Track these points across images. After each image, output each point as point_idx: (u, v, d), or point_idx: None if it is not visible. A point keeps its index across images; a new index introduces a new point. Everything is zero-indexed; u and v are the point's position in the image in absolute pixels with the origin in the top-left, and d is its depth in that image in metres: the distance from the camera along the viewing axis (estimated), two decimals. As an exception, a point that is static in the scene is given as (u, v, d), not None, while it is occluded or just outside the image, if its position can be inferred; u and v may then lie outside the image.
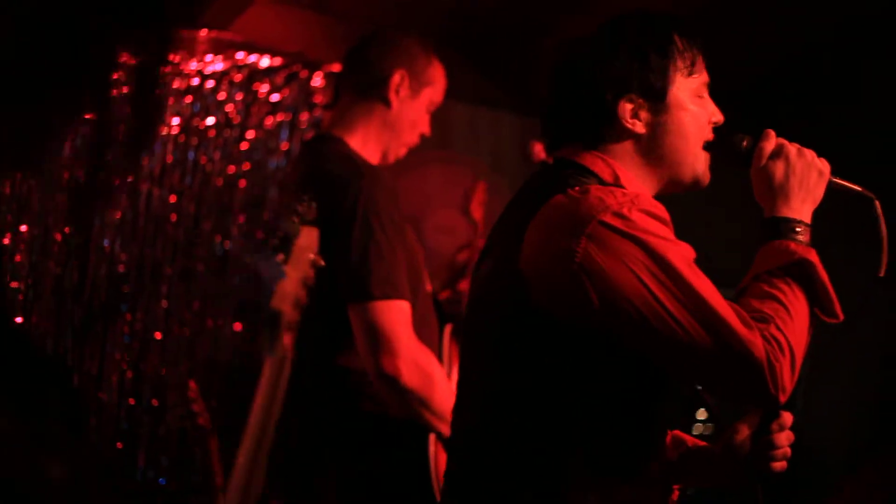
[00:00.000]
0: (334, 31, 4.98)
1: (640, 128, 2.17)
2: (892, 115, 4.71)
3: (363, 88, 3.16)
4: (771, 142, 2.22)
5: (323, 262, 1.80)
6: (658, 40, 2.18)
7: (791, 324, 2.02)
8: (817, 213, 2.20)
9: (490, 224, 3.95)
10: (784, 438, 2.25)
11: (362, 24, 4.90)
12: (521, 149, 5.25)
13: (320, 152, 3.09)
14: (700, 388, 2.24)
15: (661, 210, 2.06)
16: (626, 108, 2.16)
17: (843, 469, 5.60)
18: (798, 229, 2.14)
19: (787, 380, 1.99)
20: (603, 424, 2.06)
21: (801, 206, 2.17)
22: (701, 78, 2.23)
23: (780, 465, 2.25)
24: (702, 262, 2.06)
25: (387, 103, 3.14)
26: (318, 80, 5.04)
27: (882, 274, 2.21)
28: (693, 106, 2.20)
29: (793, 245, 2.11)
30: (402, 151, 3.22)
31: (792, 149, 2.20)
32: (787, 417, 2.26)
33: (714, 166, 2.27)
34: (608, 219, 1.98)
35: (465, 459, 2.19)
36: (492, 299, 2.16)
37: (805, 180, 2.17)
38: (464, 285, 3.78)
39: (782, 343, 1.99)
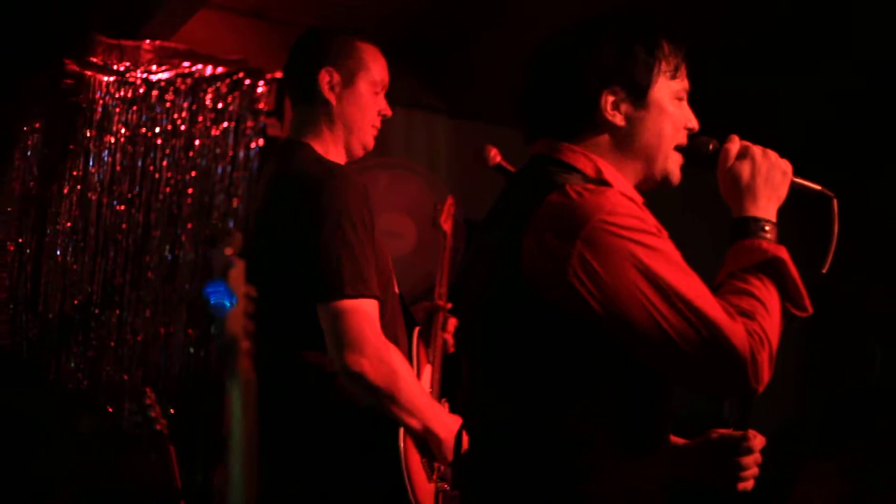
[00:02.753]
0: (273, 37, 5.04)
1: (619, 120, 2.19)
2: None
3: (303, 95, 3.19)
4: (735, 144, 2.26)
5: (255, 294, 1.83)
6: (646, 39, 2.22)
7: (768, 318, 2.08)
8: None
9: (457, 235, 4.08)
10: (752, 460, 2.32)
11: (300, 30, 4.98)
12: (455, 150, 5.37)
13: (290, 156, 3.12)
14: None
15: (644, 209, 2.12)
16: (609, 99, 2.18)
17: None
18: (766, 228, 2.19)
19: (766, 372, 2.05)
20: (613, 410, 2.10)
21: (768, 205, 2.22)
22: (682, 84, 2.26)
23: (746, 485, 2.33)
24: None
25: (326, 102, 3.16)
26: (261, 87, 5.09)
27: (825, 270, 2.27)
28: (671, 108, 2.23)
29: (764, 244, 2.16)
30: (369, 140, 3.23)
31: (756, 150, 2.25)
32: (759, 439, 2.33)
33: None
34: (601, 221, 2.02)
35: (485, 453, 2.23)
36: (496, 299, 2.18)
37: (770, 180, 2.23)
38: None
39: (762, 336, 2.05)
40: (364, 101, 3.15)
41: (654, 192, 2.30)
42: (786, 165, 2.26)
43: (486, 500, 2.19)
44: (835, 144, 5.66)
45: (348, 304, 2.85)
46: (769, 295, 2.12)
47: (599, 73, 2.18)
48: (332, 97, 3.11)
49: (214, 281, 1.68)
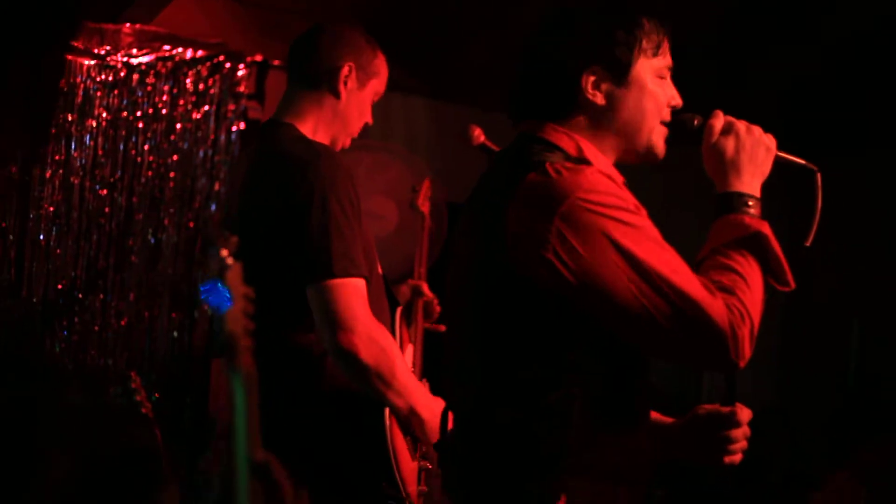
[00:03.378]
0: (251, 21, 5.05)
1: (600, 99, 2.22)
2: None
3: (312, 79, 3.21)
4: (720, 119, 2.29)
5: (254, 295, 1.88)
6: (626, 18, 2.24)
7: (749, 293, 2.11)
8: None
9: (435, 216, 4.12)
10: (741, 433, 2.35)
11: (279, 14, 4.98)
12: (434, 133, 5.38)
13: (276, 136, 3.15)
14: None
15: (623, 188, 2.16)
16: (589, 79, 2.21)
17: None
18: (750, 203, 2.21)
19: (748, 346, 2.09)
20: (595, 387, 2.13)
21: (752, 181, 2.24)
22: (664, 61, 2.28)
23: (733, 459, 2.35)
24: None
25: (336, 94, 3.19)
26: (241, 71, 5.08)
27: (808, 244, 2.29)
28: (653, 86, 2.26)
29: (747, 219, 2.19)
30: (348, 142, 3.29)
31: (741, 125, 2.27)
32: (746, 413, 2.35)
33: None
34: (580, 198, 2.06)
35: (464, 428, 2.25)
36: (478, 276, 2.21)
37: (754, 155, 2.24)
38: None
39: (742, 311, 2.08)
40: (365, 107, 3.25)
41: (638, 176, 2.33)
42: (770, 140, 2.29)
43: (469, 477, 2.22)
44: (815, 123, 5.68)
45: (338, 283, 2.88)
46: (751, 270, 2.15)
47: (580, 54, 2.22)
48: (343, 91, 3.18)
49: (212, 282, 1.73)
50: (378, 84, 3.27)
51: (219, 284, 1.73)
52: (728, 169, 2.25)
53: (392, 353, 2.94)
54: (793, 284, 2.21)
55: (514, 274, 2.10)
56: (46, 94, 4.88)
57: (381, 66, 3.28)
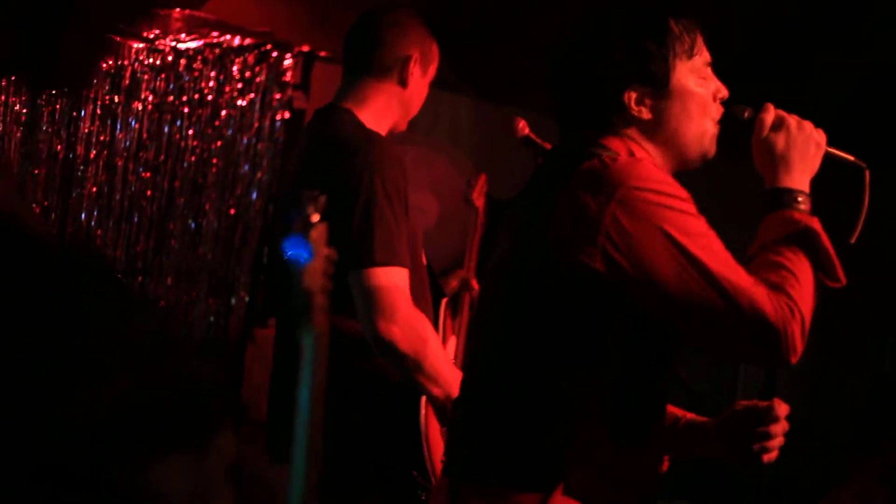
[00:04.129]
0: (300, 11, 5.07)
1: (645, 114, 2.21)
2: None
3: (379, 68, 3.22)
4: (771, 113, 2.27)
5: (336, 257, 1.90)
6: (654, 29, 2.22)
7: (800, 289, 2.10)
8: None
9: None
10: (779, 428, 2.34)
11: (327, 5, 5.00)
12: (478, 131, 5.38)
13: (330, 120, 3.15)
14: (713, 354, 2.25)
15: (678, 185, 2.13)
16: (631, 97, 2.20)
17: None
18: (800, 199, 2.21)
19: (799, 342, 2.07)
20: (611, 384, 2.12)
21: (802, 177, 2.23)
22: (702, 58, 2.26)
23: (770, 455, 2.35)
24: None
25: (403, 83, 3.20)
26: (288, 60, 5.11)
27: (853, 241, 2.29)
28: (697, 88, 2.24)
29: (797, 214, 2.18)
30: (404, 125, 3.31)
31: (792, 121, 2.26)
32: (783, 407, 2.35)
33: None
34: (635, 186, 2.05)
35: (472, 414, 2.25)
36: (518, 259, 2.20)
37: (805, 152, 2.24)
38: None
39: (794, 308, 2.07)
40: (424, 93, 3.25)
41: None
42: (820, 136, 2.27)
43: (473, 448, 2.22)
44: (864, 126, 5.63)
45: (380, 271, 2.89)
46: (801, 266, 2.13)
47: (617, 77, 2.21)
48: (410, 80, 3.18)
49: (295, 236, 1.77)
50: (435, 69, 3.29)
51: (302, 239, 1.77)
52: (778, 164, 2.24)
53: (432, 343, 2.95)
54: (843, 280, 2.19)
55: (556, 261, 2.08)
56: (93, 74, 4.91)
57: (437, 50, 3.30)
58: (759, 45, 5.02)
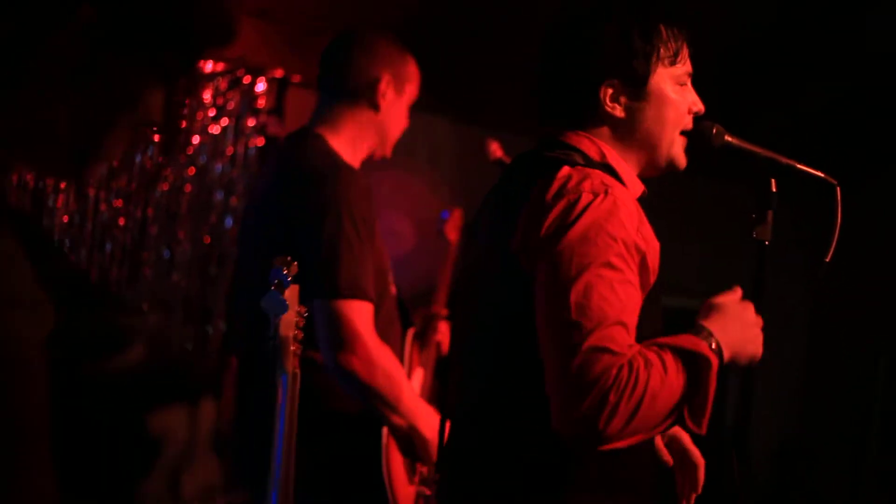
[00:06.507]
0: (272, 37, 5.02)
1: (619, 112, 2.21)
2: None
3: (349, 92, 3.16)
4: (738, 293, 2.19)
5: (306, 314, 2.34)
6: (643, 28, 2.21)
7: (657, 395, 1.95)
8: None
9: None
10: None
11: (300, 30, 4.96)
12: (455, 155, 5.36)
13: (301, 146, 3.12)
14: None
15: (630, 203, 2.08)
16: (607, 92, 2.20)
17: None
18: (715, 346, 2.07)
19: (613, 426, 1.91)
20: None
21: (728, 343, 2.11)
22: (684, 68, 2.26)
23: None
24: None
25: (375, 107, 3.15)
26: (261, 85, 5.07)
27: (828, 259, 2.25)
28: (673, 95, 2.23)
29: (707, 348, 2.04)
30: (388, 151, 3.26)
31: (750, 311, 2.18)
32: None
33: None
34: (592, 230, 2.00)
35: (466, 441, 2.22)
36: (489, 275, 2.18)
37: (744, 336, 2.14)
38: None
39: (632, 385, 1.92)
40: (404, 112, 3.21)
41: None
42: (756, 343, 2.17)
43: (467, 486, 2.19)
44: (833, 144, 5.64)
45: (344, 304, 2.88)
46: (675, 381, 1.99)
47: (597, 67, 2.21)
48: (382, 103, 3.13)
49: (273, 293, 2.24)
50: (413, 88, 3.24)
51: (278, 296, 2.23)
52: (719, 320, 2.12)
53: (394, 374, 2.94)
54: (704, 431, 2.05)
55: (522, 271, 2.06)
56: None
57: (414, 69, 3.25)
58: (759, 45, 5.01)
